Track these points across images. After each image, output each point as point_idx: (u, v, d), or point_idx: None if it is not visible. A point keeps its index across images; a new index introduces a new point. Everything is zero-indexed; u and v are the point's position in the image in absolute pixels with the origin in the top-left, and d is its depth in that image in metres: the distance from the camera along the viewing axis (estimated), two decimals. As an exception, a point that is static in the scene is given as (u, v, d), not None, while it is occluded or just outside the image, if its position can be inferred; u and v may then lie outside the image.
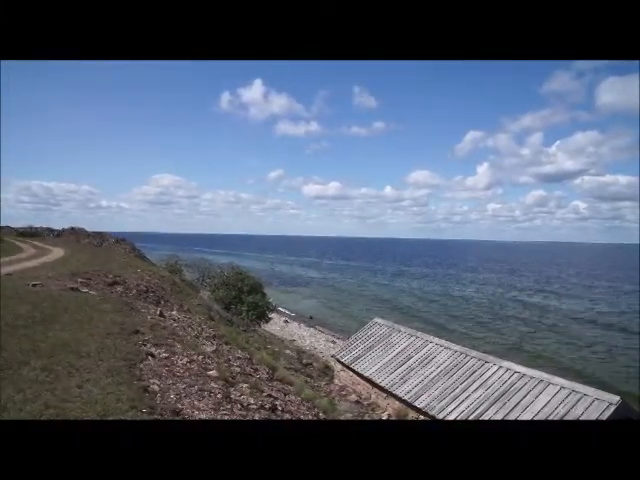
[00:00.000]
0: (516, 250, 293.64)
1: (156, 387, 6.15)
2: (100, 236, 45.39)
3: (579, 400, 10.92)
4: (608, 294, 65.67)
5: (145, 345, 8.09)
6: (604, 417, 10.19)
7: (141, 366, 6.89)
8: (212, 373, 7.64)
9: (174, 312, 12.83)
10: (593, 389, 11.26)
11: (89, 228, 51.23)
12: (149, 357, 7.43)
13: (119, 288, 14.49)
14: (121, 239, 45.87)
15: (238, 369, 9.20)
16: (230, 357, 10.11)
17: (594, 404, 10.60)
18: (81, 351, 6.96)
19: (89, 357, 6.76)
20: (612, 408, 10.30)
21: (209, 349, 9.66)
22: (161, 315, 11.27)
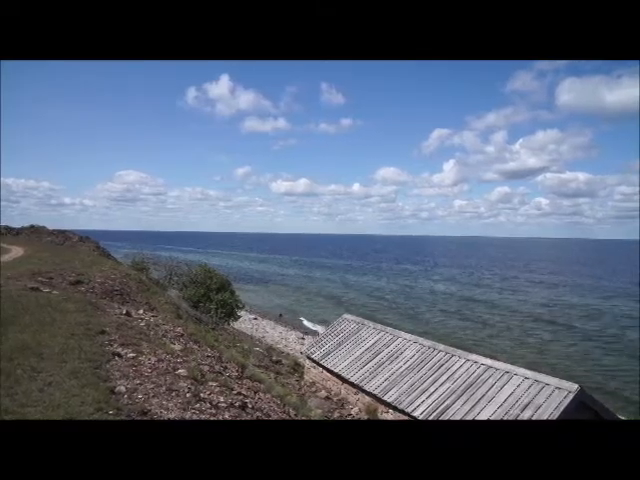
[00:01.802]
0: (482, 246, 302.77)
1: (123, 388, 6.03)
2: (63, 234, 44.02)
3: (541, 389, 11.31)
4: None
5: (111, 345, 7.91)
6: (564, 404, 10.61)
7: (107, 367, 6.74)
8: (181, 372, 7.54)
9: (141, 311, 12.57)
10: (554, 379, 11.68)
11: (51, 226, 49.65)
12: (115, 357, 7.27)
13: (83, 287, 14.09)
14: (85, 237, 44.64)
15: (207, 367, 9.11)
16: (199, 355, 9.99)
17: (555, 393, 11.01)
18: (43, 353, 6.74)
19: (51, 359, 6.55)
20: (571, 396, 10.75)
21: (177, 348, 9.52)
22: (127, 314, 11.04)
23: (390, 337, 17.46)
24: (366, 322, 19.64)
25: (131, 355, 7.62)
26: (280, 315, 46.41)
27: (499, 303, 54.84)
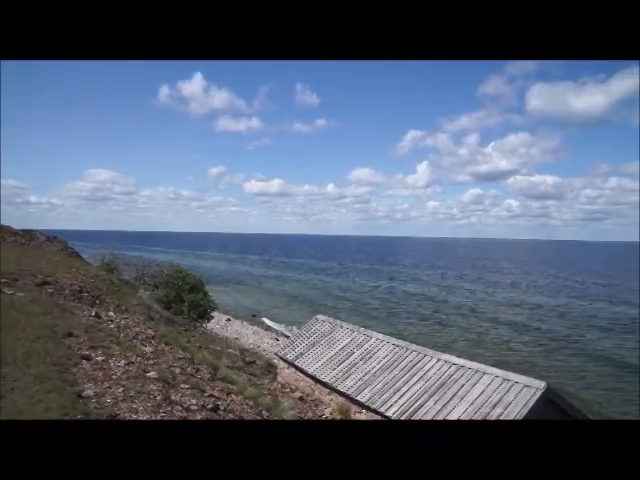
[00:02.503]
0: (455, 247, 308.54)
1: (91, 392, 5.88)
2: (28, 234, 42.60)
3: (511, 387, 11.56)
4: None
5: (79, 348, 7.70)
6: (532, 401, 10.88)
7: (74, 370, 6.56)
8: (151, 375, 7.39)
9: (111, 312, 12.29)
10: (524, 377, 11.96)
11: (17, 226, 47.94)
12: (83, 361, 7.09)
13: (50, 288, 13.67)
14: (52, 237, 43.35)
15: (179, 370, 8.97)
16: (170, 357, 9.83)
17: (524, 390, 11.27)
18: (5, 358, 6.50)
19: (15, 364, 6.32)
20: (539, 393, 11.05)
21: (148, 350, 9.34)
22: (97, 316, 10.78)
23: (363, 337, 17.55)
24: (339, 323, 19.70)
25: (100, 358, 7.45)
26: (253, 315, 46.16)
27: (470, 304, 55.93)
